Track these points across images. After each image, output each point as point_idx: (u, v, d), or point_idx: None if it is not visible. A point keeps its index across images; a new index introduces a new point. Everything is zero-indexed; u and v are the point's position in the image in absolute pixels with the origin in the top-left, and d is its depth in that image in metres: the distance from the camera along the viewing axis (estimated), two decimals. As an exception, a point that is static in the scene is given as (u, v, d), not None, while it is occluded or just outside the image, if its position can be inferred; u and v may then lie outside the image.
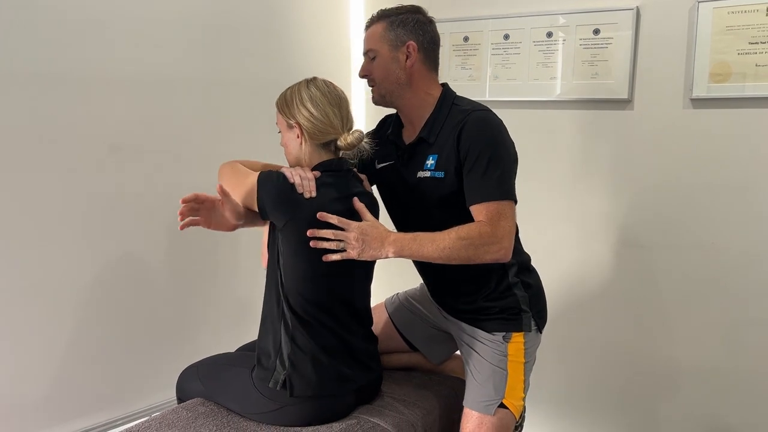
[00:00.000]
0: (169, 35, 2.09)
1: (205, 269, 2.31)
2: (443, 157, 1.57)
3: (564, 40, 2.24)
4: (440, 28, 2.47)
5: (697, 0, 1.97)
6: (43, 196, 1.84)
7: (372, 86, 1.68)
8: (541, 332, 1.69)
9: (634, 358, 2.23)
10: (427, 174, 1.59)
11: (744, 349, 2.04)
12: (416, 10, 1.67)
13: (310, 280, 1.50)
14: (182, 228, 1.54)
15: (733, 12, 1.93)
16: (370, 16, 1.70)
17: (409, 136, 1.68)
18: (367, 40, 1.67)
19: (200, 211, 1.55)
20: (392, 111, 1.85)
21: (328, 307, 1.51)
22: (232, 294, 2.41)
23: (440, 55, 1.71)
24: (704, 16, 1.96)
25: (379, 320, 1.82)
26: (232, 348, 1.85)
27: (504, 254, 1.49)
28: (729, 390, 2.08)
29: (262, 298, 1.58)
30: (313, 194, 1.47)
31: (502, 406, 1.55)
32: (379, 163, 1.72)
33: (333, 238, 1.46)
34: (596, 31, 2.17)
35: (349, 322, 1.55)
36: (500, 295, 1.61)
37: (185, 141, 2.18)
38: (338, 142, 1.53)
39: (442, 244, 1.46)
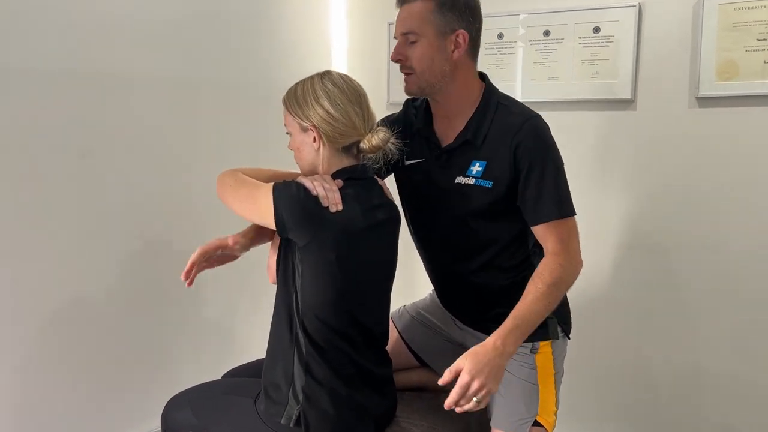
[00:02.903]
0: (155, 34, 1.94)
1: (186, 292, 2.11)
2: (494, 166, 1.41)
3: (562, 39, 2.15)
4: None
5: (701, -4, 1.92)
6: (10, 205, 1.65)
7: (407, 74, 1.44)
8: (568, 338, 1.58)
9: (642, 363, 2.15)
10: (471, 181, 1.43)
11: (754, 353, 1.98)
12: None
13: (332, 303, 1.31)
14: (191, 284, 1.40)
15: (739, 8, 1.88)
16: None
17: (444, 131, 1.50)
18: (405, 19, 1.40)
19: (208, 261, 1.43)
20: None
21: (347, 332, 1.35)
22: (212, 317, 2.24)
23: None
24: (710, 13, 1.91)
25: (389, 337, 1.66)
26: (215, 374, 1.67)
27: (581, 268, 1.44)
28: (741, 397, 2.01)
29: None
30: (340, 207, 1.28)
31: (535, 423, 1.43)
32: (407, 160, 1.53)
33: (473, 407, 1.26)
34: (596, 29, 2.09)
35: (365, 347, 1.39)
36: None
37: (167, 143, 2.02)
38: (361, 145, 1.34)
39: (540, 305, 1.35)
